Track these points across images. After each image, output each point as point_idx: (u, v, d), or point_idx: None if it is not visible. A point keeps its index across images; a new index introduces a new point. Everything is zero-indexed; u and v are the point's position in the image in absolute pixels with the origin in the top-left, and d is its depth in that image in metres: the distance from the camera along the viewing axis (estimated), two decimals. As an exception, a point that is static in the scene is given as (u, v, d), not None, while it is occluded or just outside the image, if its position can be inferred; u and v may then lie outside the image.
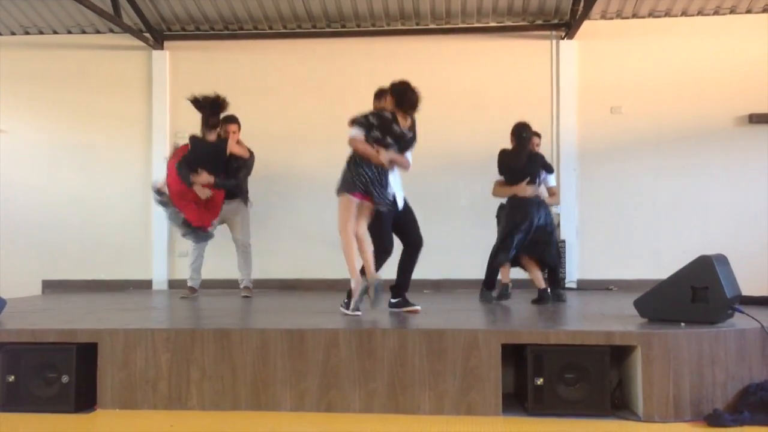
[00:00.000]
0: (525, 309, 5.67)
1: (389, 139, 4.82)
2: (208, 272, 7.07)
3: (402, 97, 4.81)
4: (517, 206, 5.93)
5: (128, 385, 4.22)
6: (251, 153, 6.72)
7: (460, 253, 7.89)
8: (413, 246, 5.25)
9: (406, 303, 5.21)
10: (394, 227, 5.20)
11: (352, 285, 4.89)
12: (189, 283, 6.89)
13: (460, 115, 8.06)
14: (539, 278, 6.05)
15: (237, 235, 6.84)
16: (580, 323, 4.89)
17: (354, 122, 4.91)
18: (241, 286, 6.91)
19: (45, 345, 4.27)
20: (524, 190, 5.92)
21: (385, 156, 4.84)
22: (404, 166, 5.12)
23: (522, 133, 6.01)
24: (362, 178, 4.78)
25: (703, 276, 4.24)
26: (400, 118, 4.86)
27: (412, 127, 4.96)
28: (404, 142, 4.87)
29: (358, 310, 4.89)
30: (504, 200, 6.19)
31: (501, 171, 6.06)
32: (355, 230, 4.90)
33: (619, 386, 4.25)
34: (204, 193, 6.36)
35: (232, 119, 6.59)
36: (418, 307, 5.16)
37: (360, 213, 4.93)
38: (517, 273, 6.84)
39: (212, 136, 6.41)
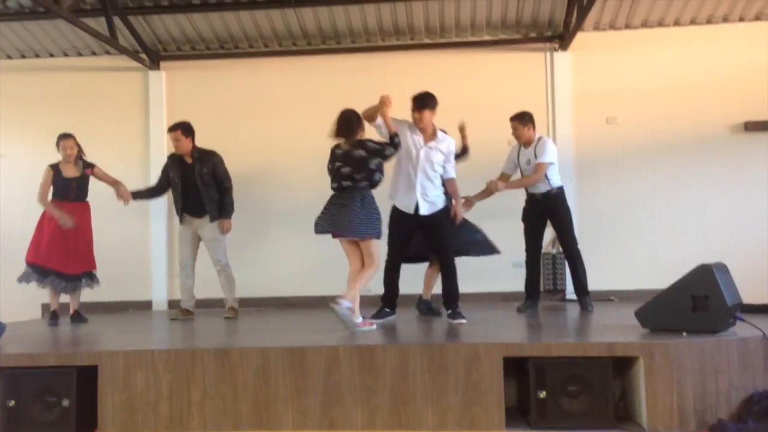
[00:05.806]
0: (526, 321, 5.66)
1: (336, 164, 5.30)
2: (209, 291, 7.06)
3: (338, 128, 5.35)
4: None
5: (129, 407, 4.21)
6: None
7: (459, 265, 7.87)
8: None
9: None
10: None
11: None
12: (182, 305, 6.82)
13: (456, 129, 8.07)
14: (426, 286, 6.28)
15: (211, 256, 6.77)
16: (582, 335, 4.88)
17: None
18: (226, 307, 6.83)
19: (45, 369, 4.27)
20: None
21: None
22: None
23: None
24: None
25: (704, 284, 4.25)
26: (344, 144, 5.32)
27: (361, 145, 5.28)
28: (354, 160, 5.23)
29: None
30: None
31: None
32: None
33: (623, 398, 4.23)
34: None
35: (170, 128, 6.77)
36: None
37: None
38: (511, 285, 6.84)
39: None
